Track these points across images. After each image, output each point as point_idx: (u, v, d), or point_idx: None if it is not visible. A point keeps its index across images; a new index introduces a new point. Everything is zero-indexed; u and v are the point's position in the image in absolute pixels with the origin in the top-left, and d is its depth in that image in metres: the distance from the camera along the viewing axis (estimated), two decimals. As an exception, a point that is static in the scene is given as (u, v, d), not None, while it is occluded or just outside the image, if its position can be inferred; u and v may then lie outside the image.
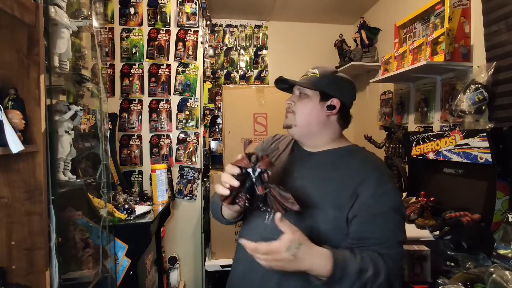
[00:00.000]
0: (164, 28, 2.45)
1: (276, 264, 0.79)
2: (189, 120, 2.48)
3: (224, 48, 3.56)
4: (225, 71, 3.56)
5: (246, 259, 0.90)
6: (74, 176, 1.29)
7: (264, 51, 3.60)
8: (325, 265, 0.80)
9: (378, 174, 0.93)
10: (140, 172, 2.43)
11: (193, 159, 2.48)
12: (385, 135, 2.47)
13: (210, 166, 2.75)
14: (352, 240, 0.89)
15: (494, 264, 1.16)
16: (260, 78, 3.60)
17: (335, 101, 1.01)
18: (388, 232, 0.88)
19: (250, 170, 0.78)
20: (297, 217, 0.89)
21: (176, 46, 2.46)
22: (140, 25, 2.43)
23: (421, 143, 1.78)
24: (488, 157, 1.36)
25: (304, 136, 1.05)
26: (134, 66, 2.43)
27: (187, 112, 2.47)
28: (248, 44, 3.58)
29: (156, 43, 2.44)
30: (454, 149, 1.55)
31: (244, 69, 3.58)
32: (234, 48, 3.57)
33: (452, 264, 1.27)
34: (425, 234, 1.39)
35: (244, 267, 1.00)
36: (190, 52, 2.47)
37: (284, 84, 1.08)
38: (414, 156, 1.85)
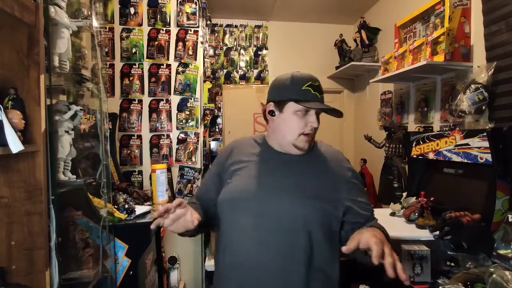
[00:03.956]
0: (164, 28, 2.45)
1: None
2: (189, 120, 2.47)
3: (224, 48, 3.56)
4: (225, 71, 3.56)
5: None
6: (74, 176, 1.28)
7: (264, 51, 3.60)
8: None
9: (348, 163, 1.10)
10: (140, 172, 2.43)
11: (193, 159, 2.48)
12: (385, 135, 2.47)
13: (210, 166, 2.75)
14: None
15: (494, 264, 1.16)
16: (260, 78, 3.60)
17: None
18: (369, 207, 1.05)
19: None
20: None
21: (176, 46, 2.46)
22: (140, 25, 2.43)
23: (421, 143, 1.78)
24: (488, 157, 1.36)
25: None
26: (134, 66, 2.43)
27: (187, 112, 2.47)
28: (248, 44, 3.58)
29: (156, 43, 2.44)
30: (454, 149, 1.55)
31: (244, 69, 3.58)
32: (234, 48, 3.57)
33: (452, 264, 1.27)
34: (425, 234, 1.38)
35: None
36: (190, 52, 2.47)
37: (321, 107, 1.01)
38: (414, 156, 1.85)
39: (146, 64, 2.44)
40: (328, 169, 1.05)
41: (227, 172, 1.08)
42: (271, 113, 1.04)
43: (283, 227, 0.96)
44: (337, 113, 1.00)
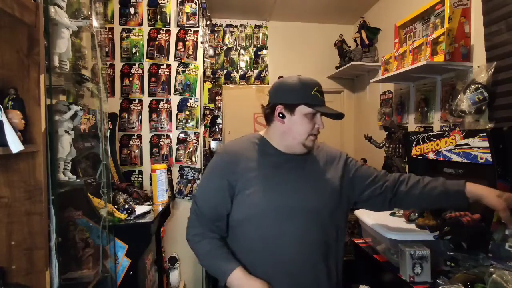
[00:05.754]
0: (164, 28, 2.45)
1: None
2: (189, 120, 2.48)
3: (224, 48, 3.56)
4: (225, 71, 3.56)
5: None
6: (74, 176, 1.28)
7: (264, 51, 3.60)
8: None
9: None
10: (140, 172, 2.43)
11: (193, 159, 2.48)
12: (385, 135, 2.47)
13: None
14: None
15: (494, 264, 1.16)
16: (260, 78, 3.60)
17: None
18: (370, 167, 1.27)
19: None
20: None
21: (176, 46, 2.46)
22: (140, 25, 2.43)
23: (421, 143, 1.78)
24: (488, 157, 1.36)
25: None
26: (134, 66, 2.43)
27: (187, 112, 2.47)
28: (248, 44, 3.58)
29: (156, 43, 2.44)
30: (454, 149, 1.55)
31: (244, 69, 3.58)
32: (234, 48, 3.57)
33: (452, 264, 1.27)
34: (425, 234, 1.38)
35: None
36: (190, 52, 2.47)
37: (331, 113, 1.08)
38: (414, 156, 1.85)
39: (146, 64, 2.44)
40: (327, 160, 1.16)
41: (239, 181, 1.08)
42: (281, 115, 1.07)
43: (319, 222, 1.07)
44: (341, 117, 1.09)
